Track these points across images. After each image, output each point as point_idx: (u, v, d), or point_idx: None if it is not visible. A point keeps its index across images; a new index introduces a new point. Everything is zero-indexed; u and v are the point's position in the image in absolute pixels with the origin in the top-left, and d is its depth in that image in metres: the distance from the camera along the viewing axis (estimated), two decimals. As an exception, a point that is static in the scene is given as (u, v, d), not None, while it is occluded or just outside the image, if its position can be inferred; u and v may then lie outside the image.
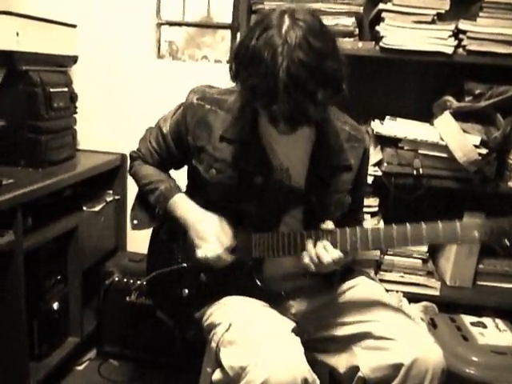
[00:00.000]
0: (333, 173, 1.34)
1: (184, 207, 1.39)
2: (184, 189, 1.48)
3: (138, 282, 2.07)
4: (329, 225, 1.23)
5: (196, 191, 1.42)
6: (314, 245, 1.23)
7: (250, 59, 1.08)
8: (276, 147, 1.30)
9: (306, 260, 1.24)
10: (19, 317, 1.68)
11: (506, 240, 1.11)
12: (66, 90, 2.02)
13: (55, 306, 1.96)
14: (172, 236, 1.46)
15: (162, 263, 1.47)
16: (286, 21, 1.07)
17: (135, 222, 1.51)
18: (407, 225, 1.18)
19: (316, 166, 1.32)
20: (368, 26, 2.10)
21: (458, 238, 1.16)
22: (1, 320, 1.67)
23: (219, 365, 1.25)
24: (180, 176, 1.51)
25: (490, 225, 1.13)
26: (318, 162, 1.32)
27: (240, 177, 1.31)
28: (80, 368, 2.12)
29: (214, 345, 1.29)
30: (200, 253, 1.33)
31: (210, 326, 1.35)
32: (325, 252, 1.21)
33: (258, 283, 1.36)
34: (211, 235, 1.32)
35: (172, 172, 1.54)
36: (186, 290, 1.43)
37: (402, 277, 2.06)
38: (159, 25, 2.36)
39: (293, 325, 1.29)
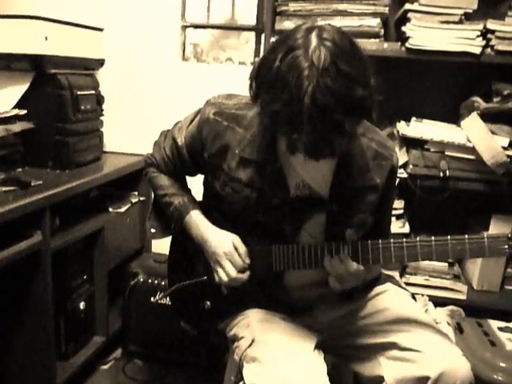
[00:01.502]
0: (357, 193, 1.26)
1: (197, 226, 1.34)
2: (201, 197, 1.46)
3: (160, 295, 2.08)
4: (351, 233, 1.20)
5: (212, 201, 1.37)
6: (333, 259, 1.20)
7: (272, 82, 1.00)
8: (296, 165, 1.22)
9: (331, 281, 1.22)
10: (46, 316, 1.71)
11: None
12: (93, 92, 2.05)
13: (81, 305, 1.99)
14: (191, 251, 1.43)
15: (182, 275, 1.46)
16: (313, 41, 0.98)
17: (153, 230, 1.51)
18: (432, 238, 1.13)
19: (339, 186, 1.24)
20: (394, 26, 2.08)
21: (486, 253, 1.11)
22: (28, 319, 1.70)
23: (242, 377, 1.23)
24: (196, 181, 1.50)
25: None
26: (342, 182, 1.24)
27: (256, 197, 1.25)
28: (105, 367, 2.15)
29: (236, 357, 1.28)
30: (216, 278, 1.31)
31: (233, 337, 1.33)
32: (339, 264, 1.18)
33: (280, 295, 1.33)
34: (224, 259, 1.28)
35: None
36: (208, 303, 1.41)
37: (428, 280, 2.03)
38: (184, 27, 2.38)
39: (316, 339, 1.25)
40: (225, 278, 1.29)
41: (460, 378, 1.16)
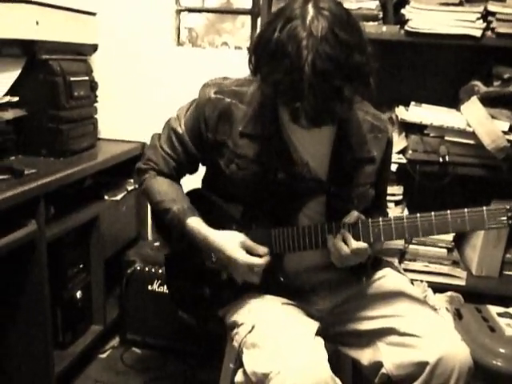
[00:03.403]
0: (355, 166, 1.29)
1: (199, 233, 1.30)
2: (200, 183, 1.45)
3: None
4: (353, 216, 1.19)
5: (214, 183, 1.37)
6: (334, 237, 1.20)
7: (272, 53, 1.03)
8: (296, 141, 1.25)
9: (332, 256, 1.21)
10: (43, 305, 1.69)
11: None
12: (86, 78, 2.02)
13: (78, 294, 1.97)
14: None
15: (182, 264, 1.45)
16: (310, 11, 1.01)
17: (157, 244, 1.49)
18: (432, 213, 1.14)
19: (338, 159, 1.27)
20: (392, 9, 2.04)
21: (486, 224, 1.11)
22: (25, 309, 1.68)
23: (241, 364, 1.23)
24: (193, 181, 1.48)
25: None
26: (340, 156, 1.27)
27: (262, 173, 1.26)
28: (103, 356, 2.14)
29: (236, 344, 1.27)
30: (239, 280, 1.32)
31: (233, 324, 1.32)
32: (343, 244, 1.18)
33: (281, 279, 1.32)
34: (237, 265, 1.27)
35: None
36: (208, 290, 1.40)
37: (427, 266, 2.03)
38: (179, 11, 2.34)
39: (317, 325, 1.25)
40: (247, 278, 1.30)
41: (459, 363, 1.16)
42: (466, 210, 1.12)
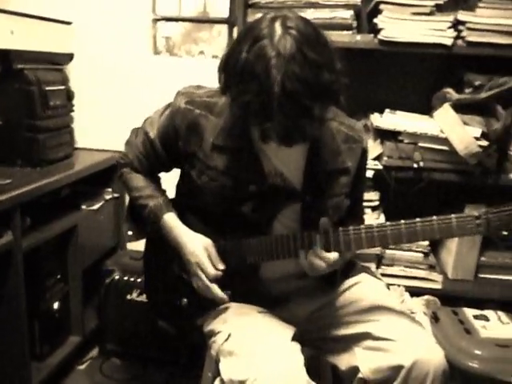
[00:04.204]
0: (329, 177, 1.29)
1: (172, 229, 1.32)
2: (174, 188, 1.45)
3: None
4: (323, 225, 1.19)
5: (187, 191, 1.36)
6: (307, 249, 1.20)
7: (240, 74, 1.01)
8: (269, 152, 1.23)
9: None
10: (20, 317, 1.67)
11: (504, 231, 1.09)
12: (62, 87, 2.01)
13: (56, 305, 1.95)
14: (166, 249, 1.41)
15: (158, 273, 1.45)
16: (278, 30, 1.00)
17: (129, 233, 1.49)
18: (402, 222, 1.14)
19: (312, 170, 1.26)
20: (366, 18, 2.08)
21: (455, 232, 1.13)
22: (1, 320, 1.66)
23: (219, 372, 1.23)
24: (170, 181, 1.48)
25: (486, 217, 1.10)
26: (314, 167, 1.26)
27: (233, 184, 1.26)
28: (82, 367, 2.12)
29: (213, 352, 1.27)
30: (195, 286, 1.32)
31: (210, 332, 1.32)
32: (316, 259, 1.18)
33: (257, 288, 1.32)
34: (196, 268, 1.28)
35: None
36: (185, 300, 1.39)
37: (404, 271, 2.05)
38: (155, 20, 2.34)
39: (293, 331, 1.25)
40: (196, 286, 1.30)
41: (433, 366, 1.17)
42: (435, 217, 1.13)
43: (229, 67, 1.06)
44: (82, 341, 2.10)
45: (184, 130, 1.27)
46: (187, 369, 2.05)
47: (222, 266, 1.29)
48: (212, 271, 1.27)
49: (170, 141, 1.31)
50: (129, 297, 2.10)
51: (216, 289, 1.27)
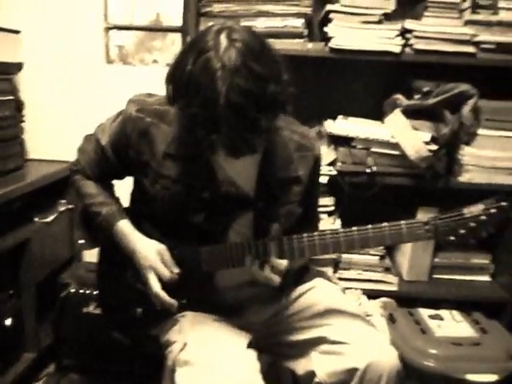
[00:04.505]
0: (282, 185, 1.29)
1: (126, 237, 1.32)
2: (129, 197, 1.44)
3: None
4: (273, 232, 1.21)
5: (141, 204, 1.36)
6: (259, 258, 1.21)
7: (186, 86, 1.02)
8: (221, 161, 1.23)
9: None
10: (-31, 335, 1.62)
11: (451, 237, 1.13)
12: (11, 98, 1.95)
13: (8, 321, 1.89)
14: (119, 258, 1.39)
15: (112, 283, 1.43)
16: (223, 42, 1.00)
17: (81, 241, 1.47)
18: (354, 229, 1.17)
19: (265, 179, 1.27)
20: (318, 27, 2.12)
21: (404, 239, 1.16)
22: (-51, 340, 1.60)
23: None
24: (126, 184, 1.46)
25: (434, 223, 1.14)
26: (267, 175, 1.27)
27: (187, 193, 1.25)
28: (38, 384, 2.06)
29: (170, 363, 1.26)
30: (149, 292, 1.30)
31: (167, 342, 1.31)
32: (267, 267, 1.19)
33: (211, 296, 1.32)
34: (149, 272, 1.28)
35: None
36: (139, 309, 1.38)
37: (361, 274, 2.09)
38: (107, 29, 2.31)
39: (249, 338, 1.26)
40: (150, 292, 1.28)
41: (387, 368, 1.19)
42: (386, 224, 1.16)
43: (175, 79, 1.06)
44: (38, 357, 2.03)
45: (135, 138, 1.26)
46: (147, 381, 2.02)
47: (176, 270, 1.28)
48: (167, 273, 1.27)
49: (121, 148, 1.30)
50: (85, 310, 2.05)
51: (164, 295, 1.26)
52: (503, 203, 1.11)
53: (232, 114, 0.98)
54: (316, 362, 1.26)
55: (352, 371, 1.19)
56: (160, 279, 1.28)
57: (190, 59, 1.01)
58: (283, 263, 1.19)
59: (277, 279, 1.20)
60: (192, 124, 1.04)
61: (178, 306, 1.28)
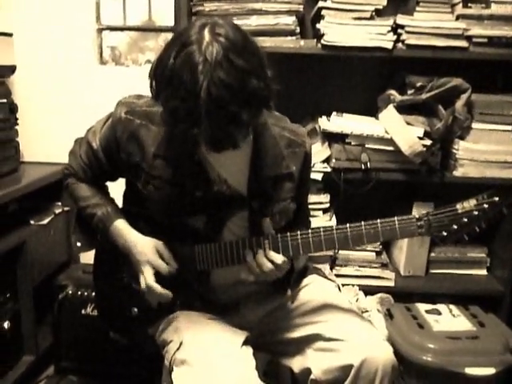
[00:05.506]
0: (274, 182, 1.30)
1: (122, 236, 1.32)
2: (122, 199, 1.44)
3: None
4: (267, 222, 1.21)
5: (134, 206, 1.36)
6: (255, 252, 1.21)
7: (168, 79, 1.01)
8: (212, 159, 1.24)
9: (243, 275, 1.23)
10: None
11: (444, 232, 1.13)
12: (4, 101, 1.96)
13: (6, 324, 1.89)
14: (115, 258, 1.40)
15: (108, 284, 1.44)
16: (206, 36, 1.01)
17: (78, 244, 1.47)
18: (347, 225, 1.18)
19: (256, 176, 1.27)
20: (310, 24, 2.11)
21: (398, 235, 1.17)
22: None
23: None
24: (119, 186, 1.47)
25: (427, 218, 1.15)
26: (258, 173, 1.27)
27: (179, 192, 1.26)
28: (37, 387, 2.06)
29: (167, 362, 1.26)
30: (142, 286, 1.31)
31: (163, 342, 1.32)
32: (265, 260, 1.19)
33: (207, 295, 1.33)
34: (147, 267, 1.28)
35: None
36: (136, 309, 1.38)
37: (358, 270, 2.09)
38: (100, 30, 2.31)
39: (244, 335, 1.26)
40: (143, 286, 1.28)
41: (382, 363, 1.20)
42: (379, 220, 1.17)
43: (158, 73, 1.06)
44: (36, 360, 2.04)
45: (125, 140, 1.26)
46: (146, 382, 2.02)
47: (174, 264, 1.29)
48: (164, 266, 1.28)
49: (112, 151, 1.31)
50: (83, 311, 2.05)
51: (157, 286, 1.26)
52: (495, 198, 1.11)
53: (213, 108, 0.98)
54: (311, 359, 1.27)
55: (347, 368, 1.20)
56: (156, 274, 1.28)
57: (173, 53, 1.02)
58: (280, 257, 1.19)
59: (270, 266, 1.20)
60: (174, 118, 1.05)
61: (172, 302, 1.29)
